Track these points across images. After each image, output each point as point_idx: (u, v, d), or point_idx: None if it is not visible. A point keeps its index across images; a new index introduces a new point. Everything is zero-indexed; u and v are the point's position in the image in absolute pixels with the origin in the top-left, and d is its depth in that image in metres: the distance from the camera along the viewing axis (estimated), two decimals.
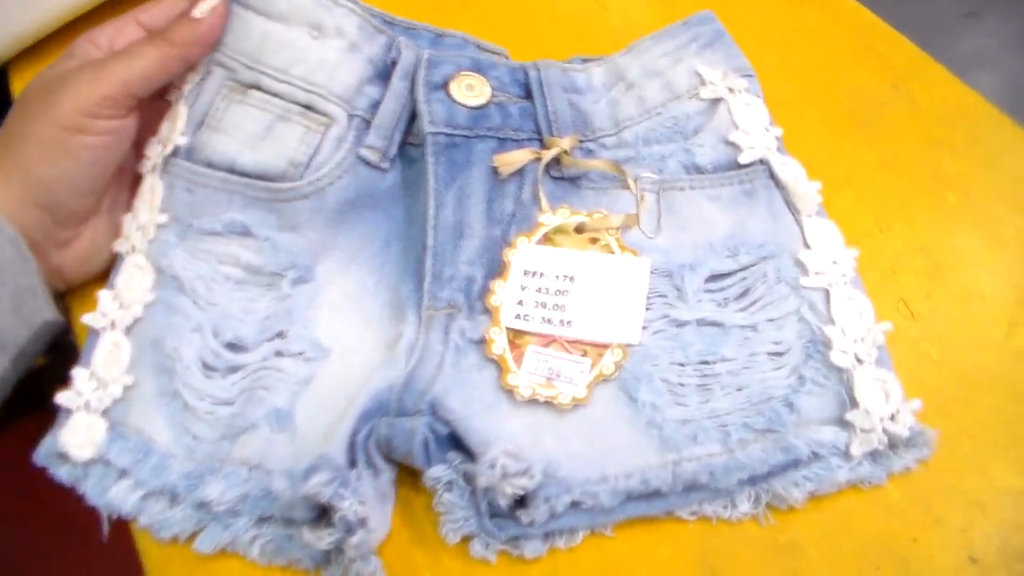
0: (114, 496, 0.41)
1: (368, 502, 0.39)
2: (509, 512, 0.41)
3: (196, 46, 0.46)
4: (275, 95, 0.49)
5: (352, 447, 0.41)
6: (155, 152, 0.48)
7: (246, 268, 0.47)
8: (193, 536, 0.42)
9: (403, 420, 0.42)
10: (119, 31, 0.48)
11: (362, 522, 0.38)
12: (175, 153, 0.47)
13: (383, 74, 0.50)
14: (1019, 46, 1.71)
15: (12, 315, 0.42)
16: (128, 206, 0.48)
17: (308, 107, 0.49)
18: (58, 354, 0.47)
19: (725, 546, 0.41)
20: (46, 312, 0.43)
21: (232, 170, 0.48)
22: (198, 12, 0.46)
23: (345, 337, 0.45)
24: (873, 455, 0.41)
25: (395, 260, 0.48)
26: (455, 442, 0.42)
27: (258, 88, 0.49)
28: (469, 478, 0.41)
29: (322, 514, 0.39)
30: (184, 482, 0.41)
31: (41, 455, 0.42)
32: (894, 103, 0.57)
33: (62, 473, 0.42)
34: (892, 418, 0.41)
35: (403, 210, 0.49)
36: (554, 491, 0.40)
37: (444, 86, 0.49)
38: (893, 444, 0.41)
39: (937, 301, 0.48)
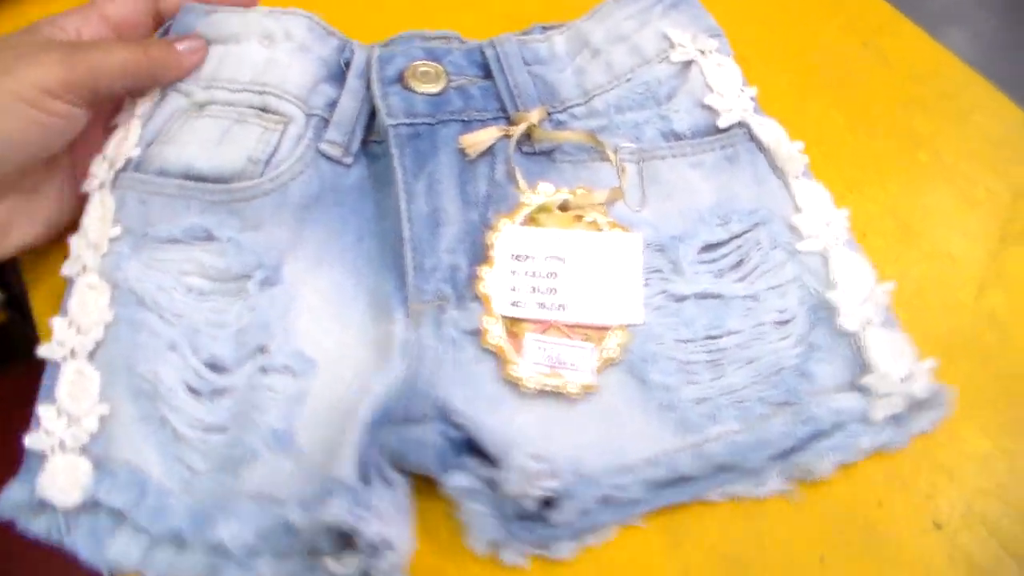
0: (116, 551, 0.37)
1: (389, 520, 0.36)
2: (537, 514, 0.38)
3: (170, 69, 0.46)
4: (229, 104, 0.47)
5: (363, 464, 0.38)
6: (102, 169, 0.45)
7: (209, 274, 0.43)
8: None
9: (412, 429, 0.39)
10: (86, 21, 0.46)
11: (387, 543, 0.35)
12: (124, 167, 0.44)
13: (338, 75, 0.48)
14: (991, 2, 1.74)
15: None
16: (52, 201, 0.45)
17: (263, 109, 0.47)
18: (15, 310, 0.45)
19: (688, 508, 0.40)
20: None
21: (187, 176, 0.45)
22: (182, 47, 0.46)
23: (329, 344, 0.42)
24: (893, 419, 0.40)
25: (370, 257, 0.45)
26: (470, 446, 0.39)
27: (213, 103, 0.47)
28: (491, 483, 0.38)
29: (343, 539, 0.36)
30: (190, 524, 0.38)
31: (6, 507, 0.37)
32: (864, 61, 0.56)
33: (39, 526, 0.37)
34: (908, 379, 0.40)
35: (372, 205, 0.46)
36: (581, 488, 0.38)
37: (399, 79, 0.46)
38: (911, 406, 0.40)
39: (907, 262, 0.47)
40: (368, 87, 0.47)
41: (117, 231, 0.43)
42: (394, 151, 0.44)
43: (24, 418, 0.39)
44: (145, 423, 0.40)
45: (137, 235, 0.43)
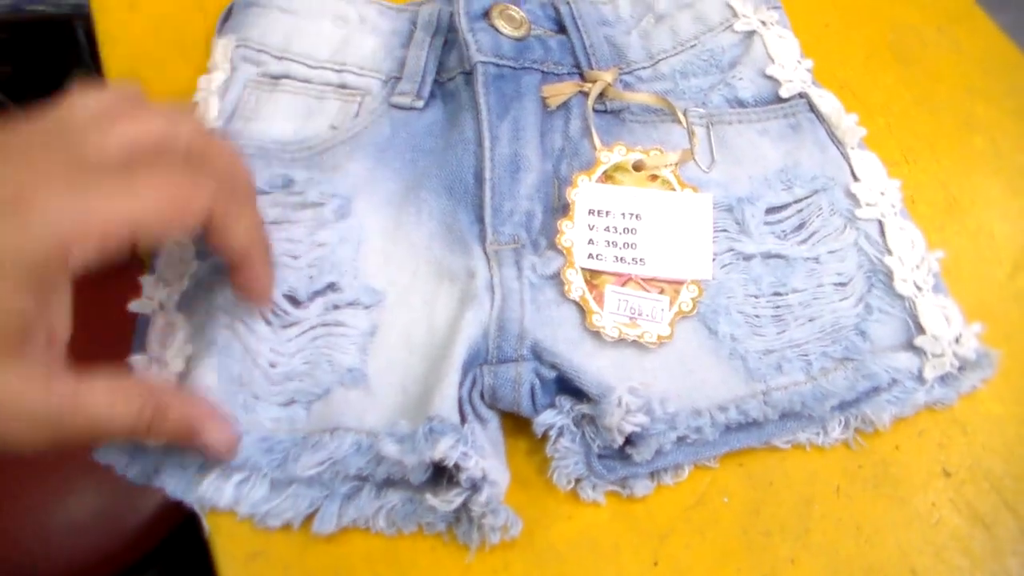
0: (206, 490, 0.38)
1: (487, 456, 0.38)
2: (617, 453, 0.40)
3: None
4: (307, 81, 0.48)
5: (459, 401, 0.39)
6: None
7: (287, 204, 0.45)
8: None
9: (506, 368, 0.40)
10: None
11: (486, 478, 0.37)
12: None
13: (409, 38, 0.50)
14: None
15: None
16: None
17: (341, 85, 0.49)
18: None
19: None
20: None
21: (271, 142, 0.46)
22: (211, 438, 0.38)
23: (399, 277, 0.44)
24: (943, 377, 0.43)
25: (440, 194, 0.46)
26: (561, 385, 0.41)
27: (288, 77, 0.48)
28: (577, 421, 0.40)
29: (439, 473, 0.38)
30: (266, 458, 0.39)
31: (100, 453, 0.38)
32: (937, 45, 0.58)
33: (132, 473, 0.39)
34: (957, 341, 0.43)
35: (444, 144, 0.47)
36: (660, 427, 0.40)
37: (485, 16, 0.48)
38: (960, 366, 0.43)
39: (949, 234, 0.50)
40: (434, 35, 0.49)
41: None
42: (480, 89, 0.46)
43: None
44: (226, 356, 0.41)
45: None
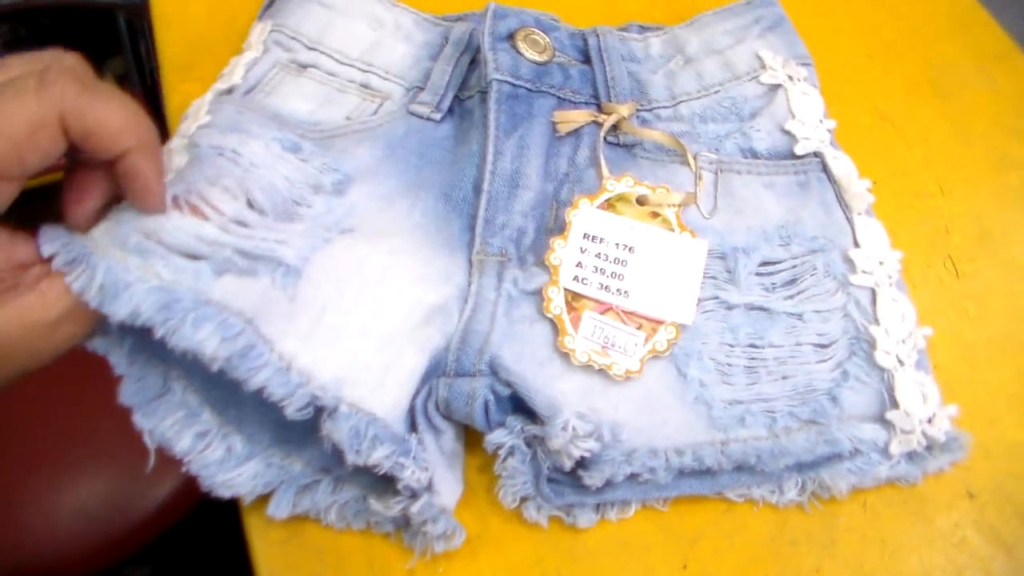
0: (167, 427, 0.39)
1: (432, 466, 0.38)
2: (567, 478, 0.41)
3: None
4: (332, 75, 0.50)
5: (412, 410, 0.40)
6: (209, 91, 0.46)
7: (290, 163, 0.43)
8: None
9: (462, 381, 0.41)
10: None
11: (429, 487, 0.38)
12: (228, 91, 0.47)
13: (439, 52, 0.51)
14: None
15: None
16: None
17: (365, 85, 0.50)
18: None
19: None
20: None
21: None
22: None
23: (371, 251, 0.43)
24: (911, 455, 0.43)
25: (439, 200, 0.47)
26: (516, 403, 0.41)
27: (316, 67, 0.50)
28: (529, 442, 0.40)
29: (389, 479, 0.39)
30: (160, 315, 0.34)
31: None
32: (976, 82, 0.59)
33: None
34: (930, 421, 0.42)
35: (452, 155, 0.48)
36: (616, 456, 0.40)
37: (509, 38, 0.49)
38: (929, 446, 0.43)
39: (981, 265, 0.51)
40: (462, 54, 0.50)
41: (207, 119, 0.43)
42: (492, 105, 0.46)
43: None
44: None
45: (227, 129, 0.43)
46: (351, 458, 0.37)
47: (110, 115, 0.32)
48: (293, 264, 0.39)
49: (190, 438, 0.40)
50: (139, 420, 0.39)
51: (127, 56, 1.15)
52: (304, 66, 0.50)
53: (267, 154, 0.42)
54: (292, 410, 0.36)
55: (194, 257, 0.36)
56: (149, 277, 0.34)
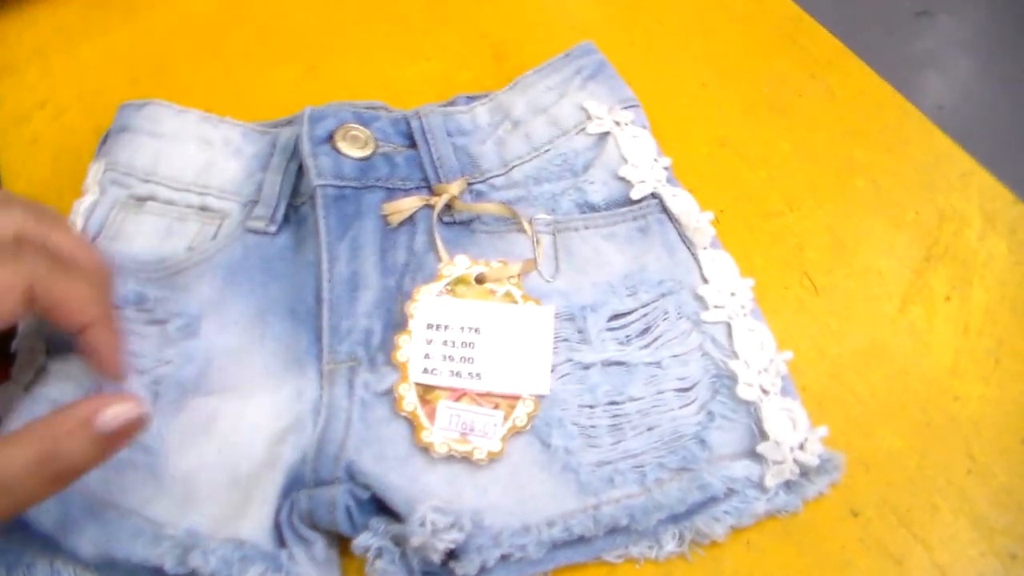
0: None
1: None
2: (442, 568, 0.40)
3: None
4: (170, 203, 0.50)
5: (277, 526, 0.40)
6: None
7: (136, 321, 0.45)
8: None
9: (322, 491, 0.41)
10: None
11: None
12: None
13: (269, 161, 0.51)
14: (969, 45, 1.76)
15: None
16: None
17: (203, 208, 0.50)
18: None
19: None
20: None
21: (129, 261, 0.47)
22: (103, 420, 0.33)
23: (239, 397, 0.44)
24: (787, 484, 0.42)
25: (286, 316, 0.47)
26: (378, 505, 0.41)
27: (153, 199, 0.50)
28: (398, 541, 0.40)
29: None
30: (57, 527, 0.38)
31: None
32: (811, 91, 0.59)
33: None
34: (801, 447, 0.42)
35: (293, 267, 0.48)
36: (484, 542, 0.39)
37: (329, 139, 0.49)
38: (804, 472, 0.42)
39: (838, 276, 0.51)
40: (290, 160, 0.50)
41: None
42: (320, 212, 0.46)
43: None
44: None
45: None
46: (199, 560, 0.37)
47: (71, 292, 0.36)
48: (153, 446, 0.42)
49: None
50: None
51: None
52: (142, 199, 0.50)
53: None
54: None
55: None
56: None
